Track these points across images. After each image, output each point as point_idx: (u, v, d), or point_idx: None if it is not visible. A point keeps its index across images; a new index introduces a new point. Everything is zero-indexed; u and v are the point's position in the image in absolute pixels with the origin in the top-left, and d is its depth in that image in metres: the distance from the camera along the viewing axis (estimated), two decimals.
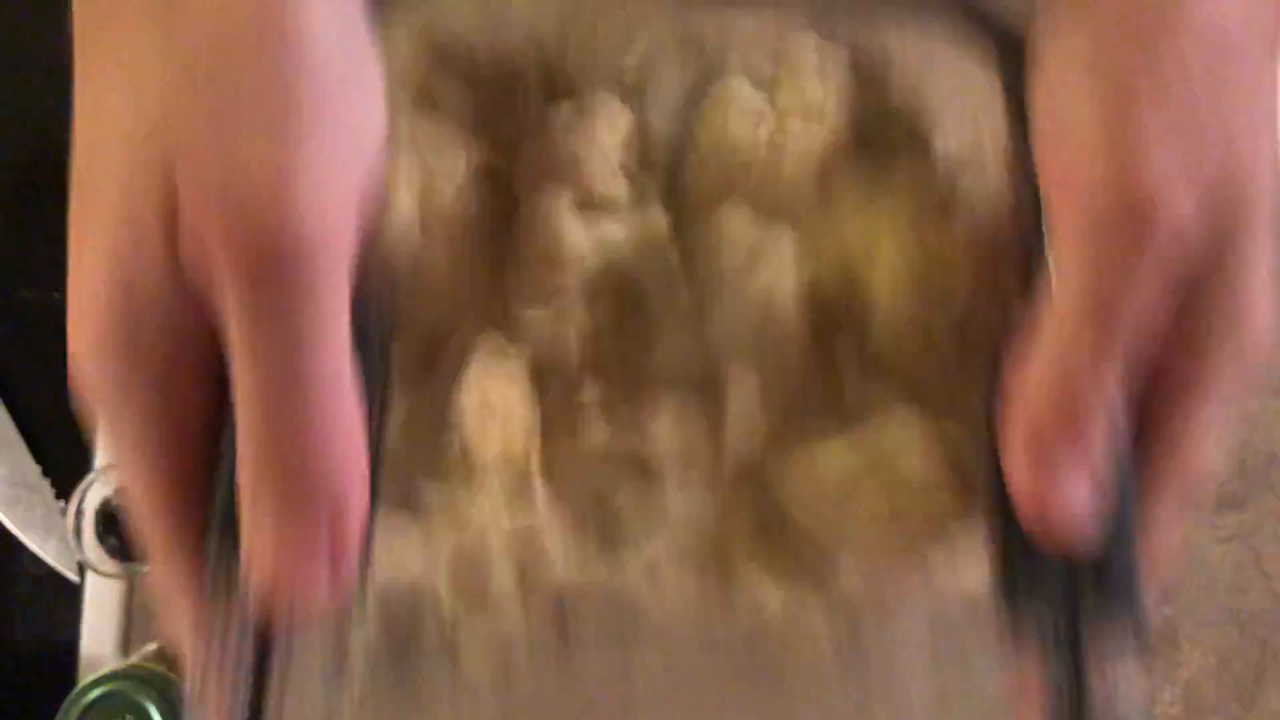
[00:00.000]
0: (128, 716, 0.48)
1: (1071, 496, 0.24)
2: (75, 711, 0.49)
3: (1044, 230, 0.25)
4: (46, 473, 0.55)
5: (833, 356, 0.29)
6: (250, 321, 0.22)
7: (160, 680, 0.48)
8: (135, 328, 0.23)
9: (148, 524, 0.25)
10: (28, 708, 0.53)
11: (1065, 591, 0.24)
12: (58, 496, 0.55)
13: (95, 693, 0.49)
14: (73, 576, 0.54)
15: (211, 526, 0.24)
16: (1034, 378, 0.24)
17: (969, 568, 0.28)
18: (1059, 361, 0.24)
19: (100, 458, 0.55)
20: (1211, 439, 0.25)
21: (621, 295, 0.29)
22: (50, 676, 0.53)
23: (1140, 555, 0.25)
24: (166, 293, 0.23)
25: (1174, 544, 0.26)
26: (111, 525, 0.51)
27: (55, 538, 0.54)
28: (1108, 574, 0.24)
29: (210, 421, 0.24)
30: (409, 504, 0.28)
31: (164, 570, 0.25)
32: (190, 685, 0.24)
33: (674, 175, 0.30)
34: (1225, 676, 0.55)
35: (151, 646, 0.52)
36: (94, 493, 0.51)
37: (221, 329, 0.23)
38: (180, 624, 0.25)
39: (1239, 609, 0.55)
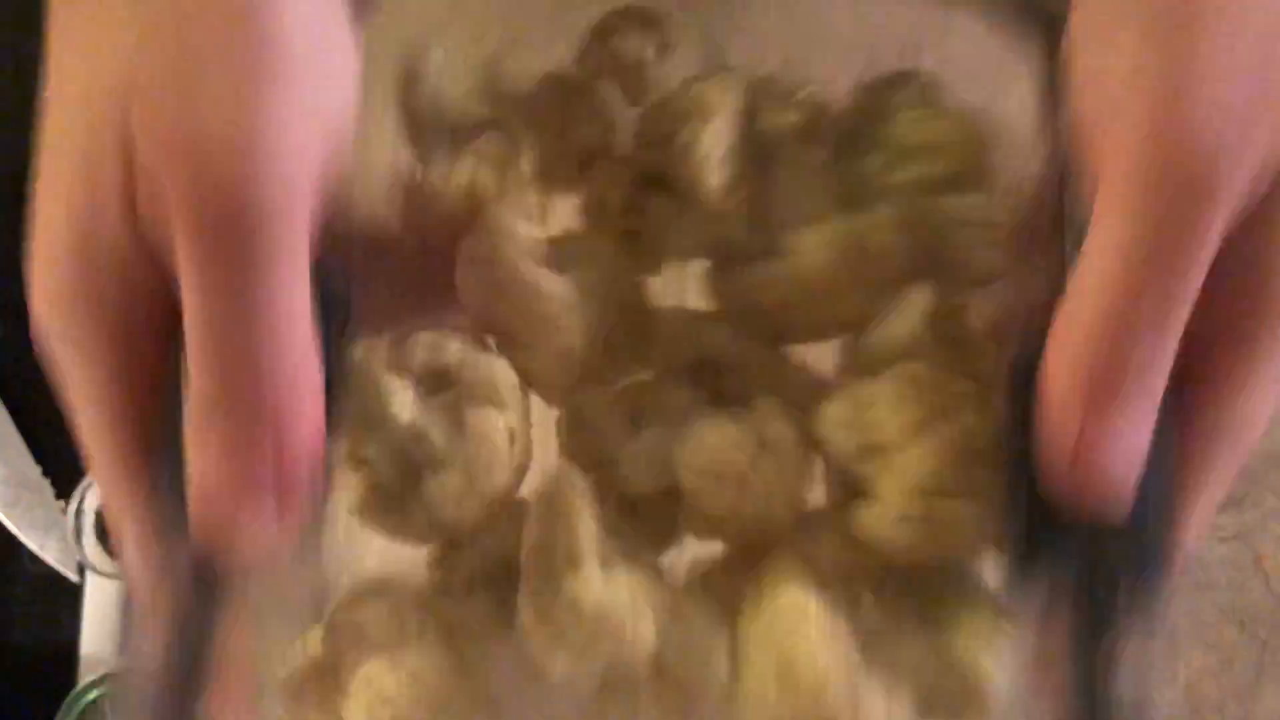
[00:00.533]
0: None
1: (1121, 443, 0.22)
2: (74, 712, 0.49)
3: (1073, 199, 0.23)
4: (46, 473, 0.55)
5: None
6: (206, 280, 0.22)
7: None
8: (93, 281, 0.24)
9: (103, 468, 0.25)
10: (28, 708, 0.53)
11: (1090, 561, 0.23)
12: (58, 496, 0.55)
13: (94, 694, 0.49)
14: (73, 576, 0.54)
15: (162, 465, 0.24)
16: (1084, 326, 0.22)
17: None
18: (1114, 305, 0.22)
19: None
20: (1260, 399, 0.24)
21: None
22: (50, 676, 0.53)
23: (1173, 526, 0.23)
24: (124, 248, 0.23)
25: (1208, 517, 0.25)
26: None
27: (55, 538, 0.54)
28: (1139, 543, 0.23)
29: (167, 371, 0.24)
30: None
31: (118, 511, 0.25)
32: (136, 620, 0.24)
33: None
34: (1225, 676, 0.55)
35: None
36: (94, 493, 0.51)
37: (177, 283, 0.23)
38: (134, 562, 0.25)
39: (1239, 609, 0.55)
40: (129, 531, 0.25)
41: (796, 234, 0.29)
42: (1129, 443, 0.22)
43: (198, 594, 0.24)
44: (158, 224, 0.23)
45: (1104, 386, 0.22)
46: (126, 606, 0.25)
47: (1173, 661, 0.54)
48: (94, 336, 0.24)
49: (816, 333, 0.30)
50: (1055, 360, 0.23)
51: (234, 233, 0.22)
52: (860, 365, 0.29)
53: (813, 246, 0.28)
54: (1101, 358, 0.22)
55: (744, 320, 0.30)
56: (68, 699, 0.49)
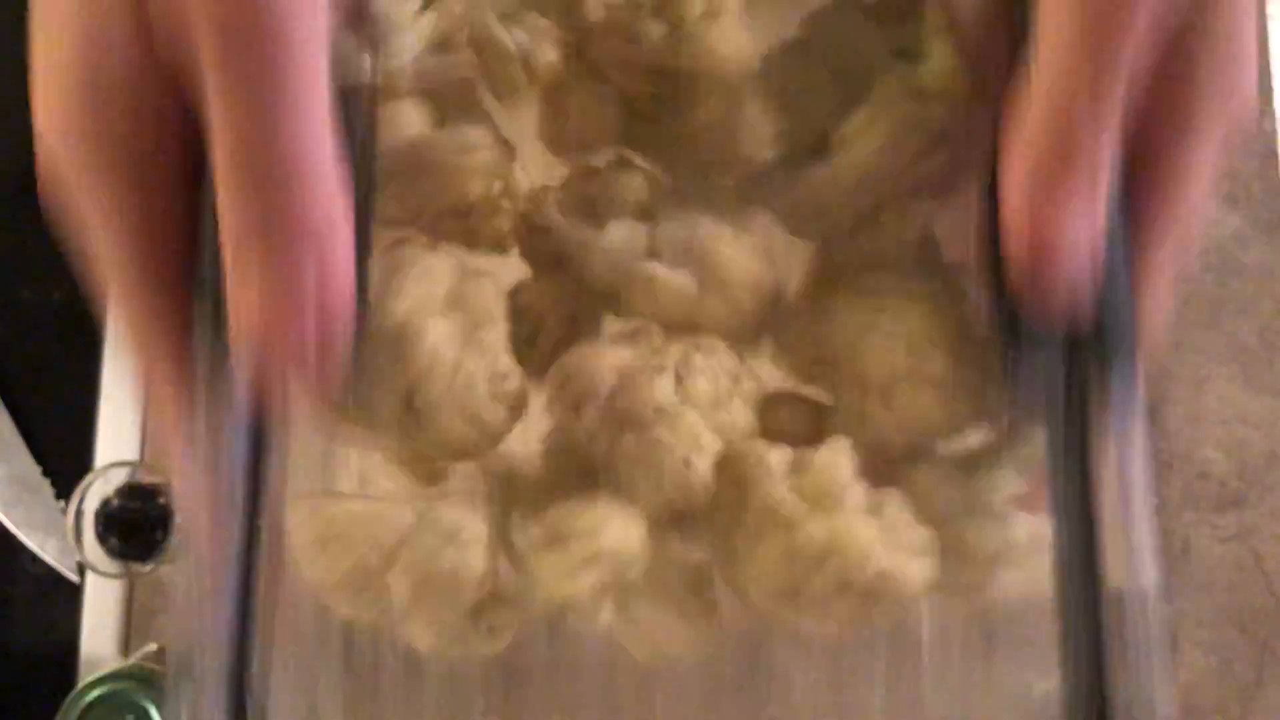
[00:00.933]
0: (128, 716, 0.48)
1: (1074, 232, 0.23)
2: (75, 711, 0.49)
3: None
4: (46, 473, 0.55)
5: None
6: (230, 89, 0.22)
7: (160, 680, 0.48)
8: (105, 111, 0.23)
9: (126, 317, 0.24)
10: (28, 708, 0.53)
11: (1064, 350, 0.24)
12: (58, 496, 0.55)
13: (95, 693, 0.49)
14: (73, 576, 0.54)
15: (196, 306, 0.23)
16: (1033, 115, 0.23)
17: None
18: (1058, 95, 0.23)
19: (100, 457, 0.55)
20: (1202, 185, 0.25)
21: None
22: (50, 676, 0.53)
23: (1135, 305, 0.24)
24: (136, 73, 0.23)
25: (1166, 295, 0.26)
26: (111, 525, 0.51)
27: (55, 538, 0.54)
28: (1105, 326, 0.24)
29: (184, 206, 0.24)
30: None
31: (146, 360, 0.25)
32: (181, 471, 0.24)
33: None
34: (1225, 676, 0.55)
35: (152, 647, 0.52)
36: (94, 493, 0.51)
37: (197, 100, 0.22)
38: (166, 408, 0.24)
39: (1239, 609, 0.55)
40: (166, 391, 0.24)
41: (847, 121, 0.28)
42: (1082, 225, 0.23)
43: (246, 449, 0.23)
44: (174, 42, 0.22)
45: (1053, 173, 0.23)
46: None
47: (1173, 662, 0.54)
48: (108, 172, 0.23)
49: (879, 226, 0.29)
50: (1008, 159, 0.24)
51: (254, 30, 0.21)
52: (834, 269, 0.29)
53: (869, 126, 0.28)
54: (1049, 145, 0.23)
55: (799, 226, 0.29)
56: (68, 699, 0.49)
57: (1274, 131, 0.60)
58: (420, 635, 0.27)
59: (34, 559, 0.54)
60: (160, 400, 0.25)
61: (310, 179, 0.22)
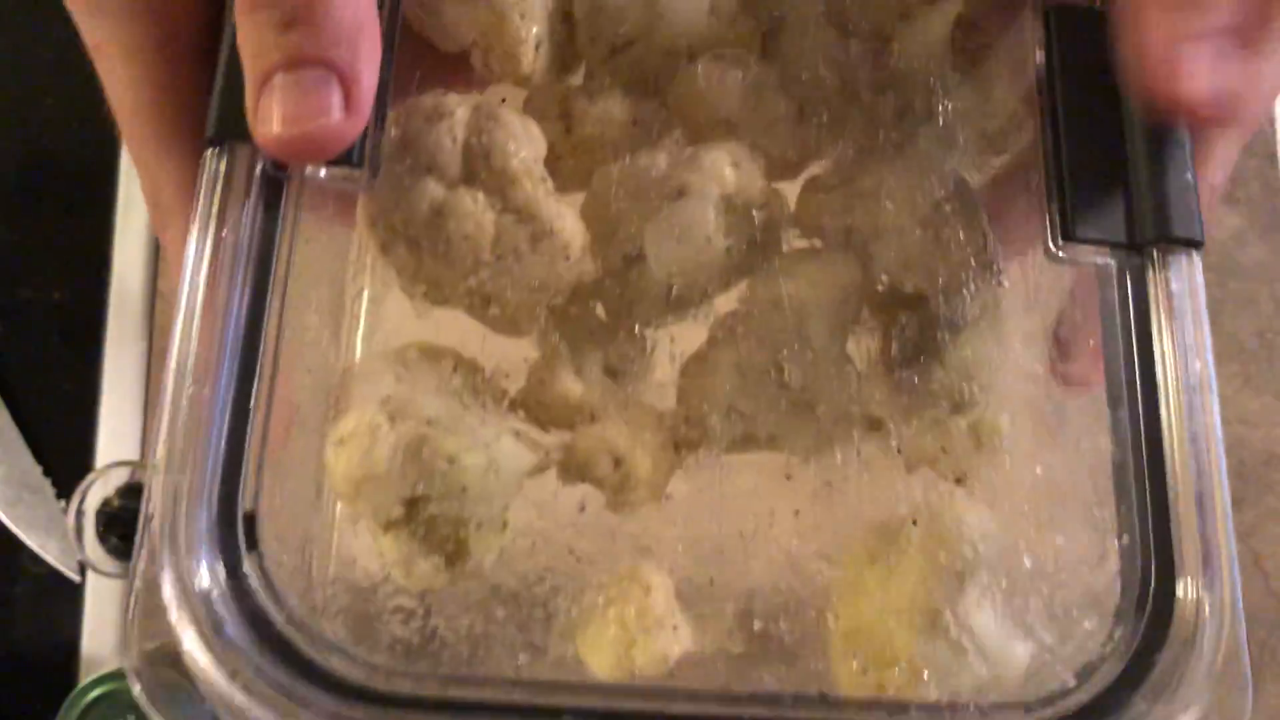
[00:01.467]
0: (128, 716, 0.48)
1: (1202, 68, 0.25)
2: (75, 711, 0.49)
3: None
4: (46, 473, 0.55)
5: None
6: None
7: (162, 680, 0.48)
8: None
9: (137, 128, 0.25)
10: (28, 708, 0.53)
11: (1126, 218, 0.25)
12: (58, 496, 0.55)
13: (95, 693, 0.49)
14: (73, 576, 0.54)
15: (210, 111, 0.24)
16: None
17: None
18: None
19: (100, 457, 0.55)
20: (1271, 84, 0.26)
21: None
22: (50, 676, 0.53)
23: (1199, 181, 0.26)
24: None
25: (1223, 180, 0.27)
26: (112, 525, 0.51)
27: (55, 538, 0.54)
28: (1167, 196, 0.25)
29: (201, 23, 0.24)
30: None
31: (156, 172, 0.25)
32: (188, 269, 0.24)
33: None
34: None
35: (152, 646, 0.52)
36: (94, 493, 0.51)
37: None
38: (177, 227, 0.25)
39: None
40: (175, 203, 0.24)
41: None
42: (1210, 62, 0.25)
43: (254, 240, 0.24)
44: None
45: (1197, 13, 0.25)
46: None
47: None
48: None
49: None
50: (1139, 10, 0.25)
51: None
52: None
53: None
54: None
55: None
56: (68, 698, 0.49)
57: (1274, 132, 0.60)
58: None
59: (35, 559, 0.54)
60: (166, 204, 0.25)
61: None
